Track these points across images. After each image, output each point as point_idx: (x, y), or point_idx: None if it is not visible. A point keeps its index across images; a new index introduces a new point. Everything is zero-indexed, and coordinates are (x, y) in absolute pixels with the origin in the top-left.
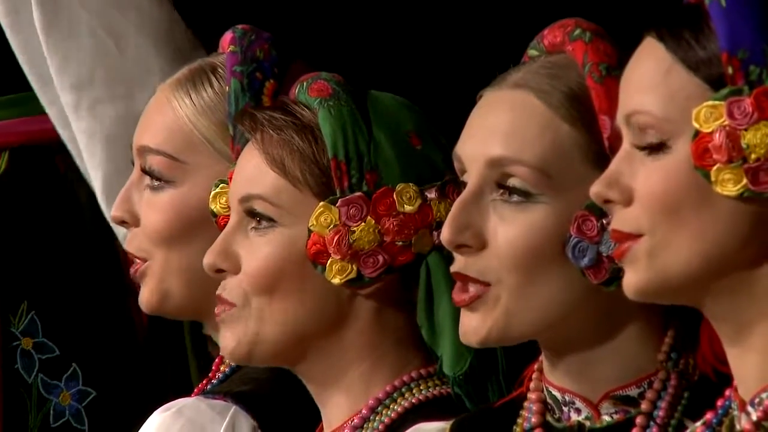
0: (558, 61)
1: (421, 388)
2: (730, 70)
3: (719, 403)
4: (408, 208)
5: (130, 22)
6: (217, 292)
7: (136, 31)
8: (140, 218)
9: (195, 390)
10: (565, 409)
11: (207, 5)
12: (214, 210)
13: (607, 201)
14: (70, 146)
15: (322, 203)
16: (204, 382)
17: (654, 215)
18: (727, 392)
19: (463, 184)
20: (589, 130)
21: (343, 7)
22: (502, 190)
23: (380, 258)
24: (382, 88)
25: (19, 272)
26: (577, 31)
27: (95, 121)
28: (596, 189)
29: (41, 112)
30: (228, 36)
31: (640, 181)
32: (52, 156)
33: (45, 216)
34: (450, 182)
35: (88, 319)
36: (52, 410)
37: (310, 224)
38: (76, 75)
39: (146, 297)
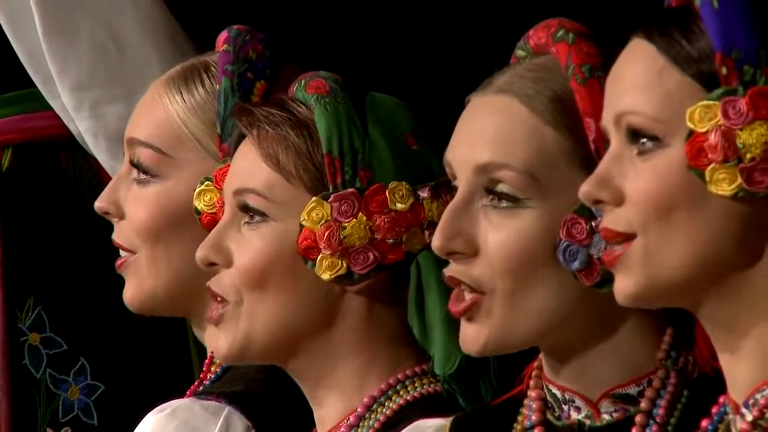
0: (543, 63)
1: (416, 385)
2: (724, 71)
3: (714, 410)
4: (400, 206)
5: (130, 24)
6: (208, 284)
7: (137, 33)
8: (125, 211)
9: (188, 391)
10: (565, 407)
11: (205, 8)
12: (198, 207)
13: (598, 201)
14: (79, 139)
15: (314, 198)
16: (196, 382)
17: (647, 216)
18: (721, 399)
19: (455, 188)
20: (575, 133)
21: (340, 10)
22: (491, 196)
23: (370, 255)
24: (377, 89)
25: (25, 268)
26: (560, 32)
27: (97, 121)
28: (586, 189)
29: (44, 108)
30: (223, 35)
31: (631, 182)
32: (55, 152)
33: (49, 212)
34: (444, 183)
35: (94, 313)
36: (61, 405)
37: (301, 219)
38: (76, 78)
39: (130, 294)
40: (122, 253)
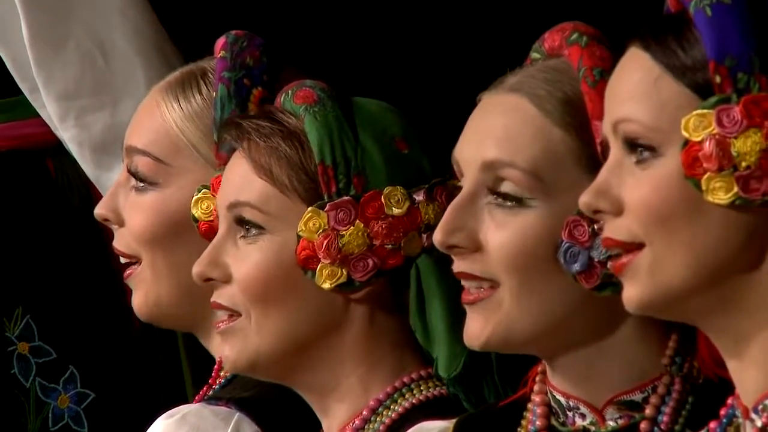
0: (555, 65)
1: (422, 388)
2: (717, 79)
3: (722, 412)
4: (396, 210)
5: (117, 34)
6: (212, 299)
7: (124, 42)
8: (125, 219)
9: (197, 396)
10: (570, 413)
11: (195, 17)
12: (195, 215)
13: (597, 211)
14: (66, 147)
15: (310, 208)
16: (205, 388)
17: (647, 225)
18: (730, 401)
19: (460, 188)
20: (582, 135)
21: (341, 14)
22: (496, 194)
23: (370, 262)
24: (378, 93)
25: (13, 277)
26: (574, 36)
27: (82, 130)
28: (585, 199)
29: (32, 116)
30: (221, 41)
31: (630, 191)
32: (43, 160)
33: (37, 220)
34: (438, 185)
35: (83, 321)
36: (51, 413)
37: (299, 230)
38: (62, 87)
39: (138, 303)
40: (122, 259)
